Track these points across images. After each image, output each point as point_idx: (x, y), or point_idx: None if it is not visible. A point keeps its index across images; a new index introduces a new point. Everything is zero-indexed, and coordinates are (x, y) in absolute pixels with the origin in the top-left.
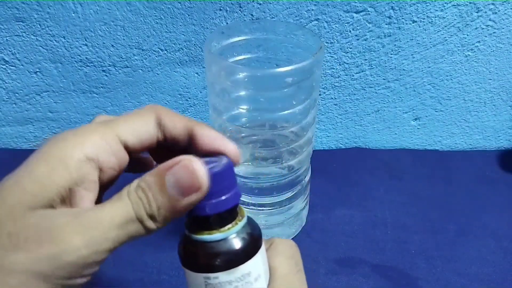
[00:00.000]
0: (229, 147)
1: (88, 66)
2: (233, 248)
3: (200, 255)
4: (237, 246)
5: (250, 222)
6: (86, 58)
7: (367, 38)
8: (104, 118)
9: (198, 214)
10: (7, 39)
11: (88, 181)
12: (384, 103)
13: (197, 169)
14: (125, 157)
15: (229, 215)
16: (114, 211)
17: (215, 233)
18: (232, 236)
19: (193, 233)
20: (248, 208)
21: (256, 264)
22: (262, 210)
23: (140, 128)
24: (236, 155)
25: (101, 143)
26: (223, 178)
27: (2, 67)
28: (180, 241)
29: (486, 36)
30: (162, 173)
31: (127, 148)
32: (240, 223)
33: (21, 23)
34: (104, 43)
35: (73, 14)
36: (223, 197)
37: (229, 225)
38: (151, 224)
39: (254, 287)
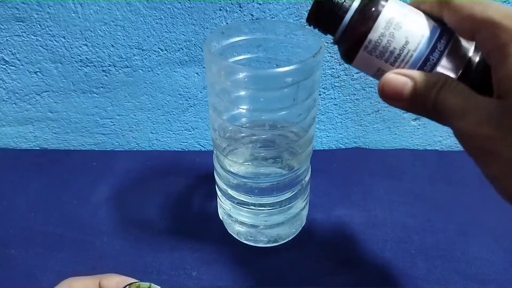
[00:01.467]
0: None
1: (88, 66)
2: (357, 9)
3: (347, 41)
4: (360, 6)
5: None
6: (86, 58)
7: None
8: None
9: None
10: (7, 39)
11: None
12: (384, 103)
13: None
14: None
15: None
16: None
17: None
18: (355, 7)
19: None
20: (248, 208)
21: (393, 10)
22: (262, 210)
23: None
24: None
25: None
26: None
27: (2, 67)
28: (341, 53)
29: None
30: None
31: None
32: None
33: (21, 23)
34: (104, 43)
35: (73, 14)
36: None
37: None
38: None
39: (406, 21)
